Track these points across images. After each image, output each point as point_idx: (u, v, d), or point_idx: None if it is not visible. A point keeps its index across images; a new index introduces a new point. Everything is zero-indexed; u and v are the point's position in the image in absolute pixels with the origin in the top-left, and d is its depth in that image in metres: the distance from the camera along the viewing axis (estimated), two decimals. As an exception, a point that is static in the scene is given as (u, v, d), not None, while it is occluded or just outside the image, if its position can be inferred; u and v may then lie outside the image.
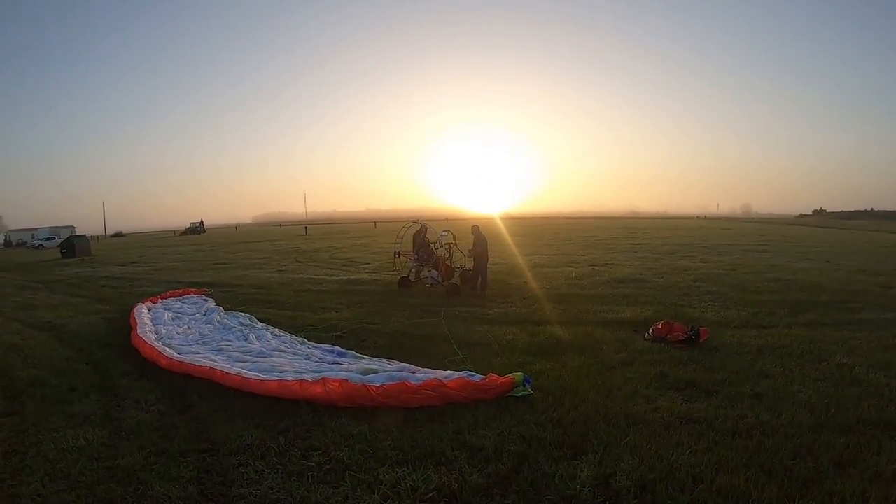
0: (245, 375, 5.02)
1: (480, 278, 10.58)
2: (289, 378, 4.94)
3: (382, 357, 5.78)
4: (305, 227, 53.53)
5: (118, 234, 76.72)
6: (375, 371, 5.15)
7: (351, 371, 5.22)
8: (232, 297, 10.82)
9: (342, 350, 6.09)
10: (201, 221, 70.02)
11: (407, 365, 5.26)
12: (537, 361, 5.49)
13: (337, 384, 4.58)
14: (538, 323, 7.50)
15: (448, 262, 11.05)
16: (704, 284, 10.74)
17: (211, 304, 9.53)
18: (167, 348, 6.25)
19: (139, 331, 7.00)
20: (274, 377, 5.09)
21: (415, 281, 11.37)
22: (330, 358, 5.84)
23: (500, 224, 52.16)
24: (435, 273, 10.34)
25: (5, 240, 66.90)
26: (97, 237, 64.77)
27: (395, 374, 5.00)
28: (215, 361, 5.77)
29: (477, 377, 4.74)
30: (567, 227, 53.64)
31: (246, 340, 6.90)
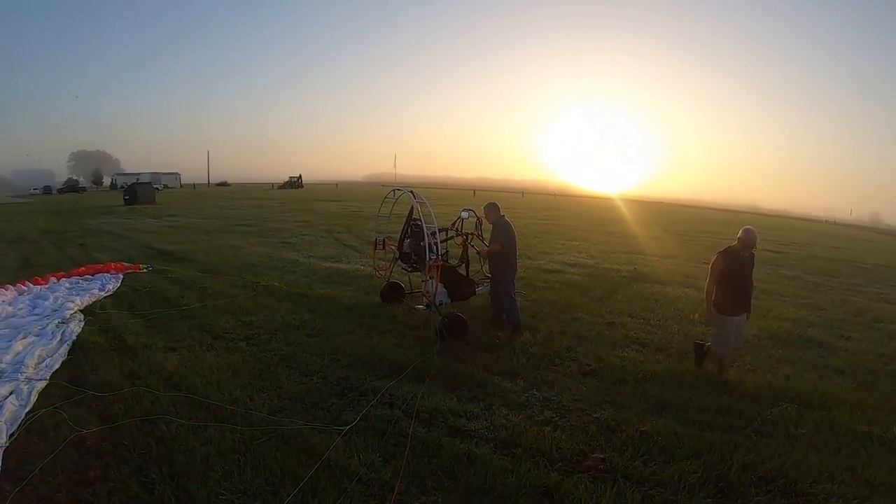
0: None
1: (505, 311, 5.54)
2: None
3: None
4: (396, 189, 49.27)
5: (223, 184, 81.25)
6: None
7: None
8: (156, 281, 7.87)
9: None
10: (300, 176, 70.12)
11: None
12: None
13: None
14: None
15: (460, 266, 5.88)
16: None
17: (79, 299, 6.31)
18: None
19: None
20: None
21: (412, 292, 6.39)
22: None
23: (622, 205, 47.79)
24: (436, 286, 5.13)
25: (111, 183, 72.45)
26: (193, 185, 70.78)
27: None
28: None
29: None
30: (682, 215, 42.93)
31: None
